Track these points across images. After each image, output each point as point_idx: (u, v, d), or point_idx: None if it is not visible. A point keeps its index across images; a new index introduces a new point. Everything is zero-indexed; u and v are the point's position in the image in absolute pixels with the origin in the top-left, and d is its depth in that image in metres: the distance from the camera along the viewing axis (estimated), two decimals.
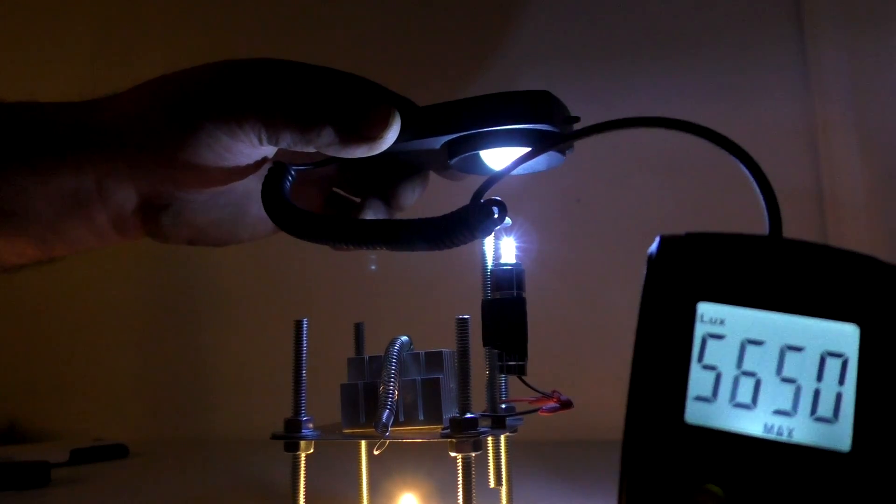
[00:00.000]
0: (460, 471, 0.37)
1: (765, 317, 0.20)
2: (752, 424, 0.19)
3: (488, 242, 0.42)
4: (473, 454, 0.37)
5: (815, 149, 0.83)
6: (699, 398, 0.20)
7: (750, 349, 0.20)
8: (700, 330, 0.20)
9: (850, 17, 0.79)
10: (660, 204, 0.89)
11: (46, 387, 1.13)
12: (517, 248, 0.42)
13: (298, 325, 0.43)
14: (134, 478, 0.72)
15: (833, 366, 0.19)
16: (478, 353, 0.40)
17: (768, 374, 0.19)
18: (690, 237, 0.22)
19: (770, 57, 0.87)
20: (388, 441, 0.40)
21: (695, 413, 0.20)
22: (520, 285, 0.41)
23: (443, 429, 0.38)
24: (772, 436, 0.19)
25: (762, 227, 0.86)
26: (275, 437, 0.42)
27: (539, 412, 0.39)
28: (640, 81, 0.91)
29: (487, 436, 0.41)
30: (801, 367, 0.19)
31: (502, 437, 0.43)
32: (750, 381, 0.19)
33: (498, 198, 0.37)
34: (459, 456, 0.37)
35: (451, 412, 0.39)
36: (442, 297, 0.89)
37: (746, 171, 0.26)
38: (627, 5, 0.94)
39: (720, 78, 0.88)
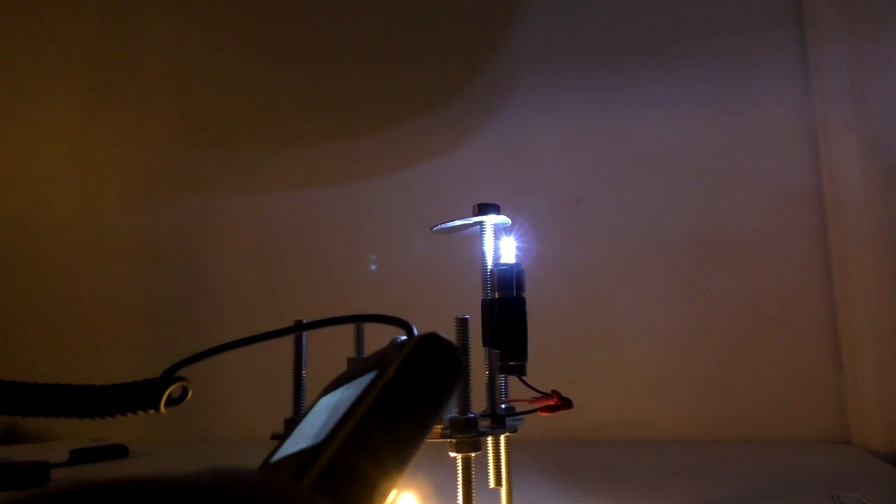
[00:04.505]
0: (460, 471, 0.37)
1: (342, 389, 0.27)
2: (293, 449, 0.25)
3: (488, 242, 0.42)
4: (473, 454, 0.37)
5: (815, 149, 0.83)
6: (283, 448, 0.26)
7: (324, 410, 0.26)
8: (310, 413, 0.29)
9: (850, 17, 0.79)
10: (659, 204, 0.89)
11: None
12: (517, 247, 0.42)
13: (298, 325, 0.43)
14: None
15: (353, 399, 0.23)
16: (478, 353, 0.40)
17: (321, 420, 0.25)
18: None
19: (770, 57, 0.87)
20: None
21: (276, 457, 0.27)
22: (520, 285, 0.41)
23: (443, 429, 0.38)
24: (293, 452, 0.25)
25: (760, 226, 0.85)
26: (275, 437, 0.42)
27: (539, 412, 0.39)
28: (640, 81, 0.91)
29: (487, 436, 0.41)
30: (339, 408, 0.24)
31: (502, 437, 0.43)
32: (310, 428, 0.25)
33: (184, 378, 0.37)
34: (459, 456, 0.37)
35: (451, 412, 0.39)
36: (442, 297, 0.89)
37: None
38: (628, 6, 0.94)
39: (721, 78, 0.89)
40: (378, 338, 0.46)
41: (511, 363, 0.40)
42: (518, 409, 0.42)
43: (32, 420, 1.12)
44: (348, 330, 0.50)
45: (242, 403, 1.01)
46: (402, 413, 0.22)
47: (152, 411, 0.35)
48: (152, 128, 1.13)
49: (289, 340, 0.43)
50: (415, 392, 0.23)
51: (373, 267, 0.96)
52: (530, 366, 0.41)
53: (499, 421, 0.40)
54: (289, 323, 0.43)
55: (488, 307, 0.41)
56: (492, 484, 0.43)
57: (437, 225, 0.43)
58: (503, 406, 0.42)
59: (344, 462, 0.21)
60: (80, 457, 0.76)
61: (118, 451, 0.82)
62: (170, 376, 0.35)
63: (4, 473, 0.62)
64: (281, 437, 0.41)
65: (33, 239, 1.17)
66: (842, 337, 0.79)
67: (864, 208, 0.75)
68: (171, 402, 0.36)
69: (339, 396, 0.26)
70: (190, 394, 0.36)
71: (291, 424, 0.41)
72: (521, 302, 0.41)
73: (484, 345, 0.41)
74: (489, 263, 0.42)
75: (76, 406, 0.35)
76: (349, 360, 0.46)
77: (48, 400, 0.35)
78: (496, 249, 0.42)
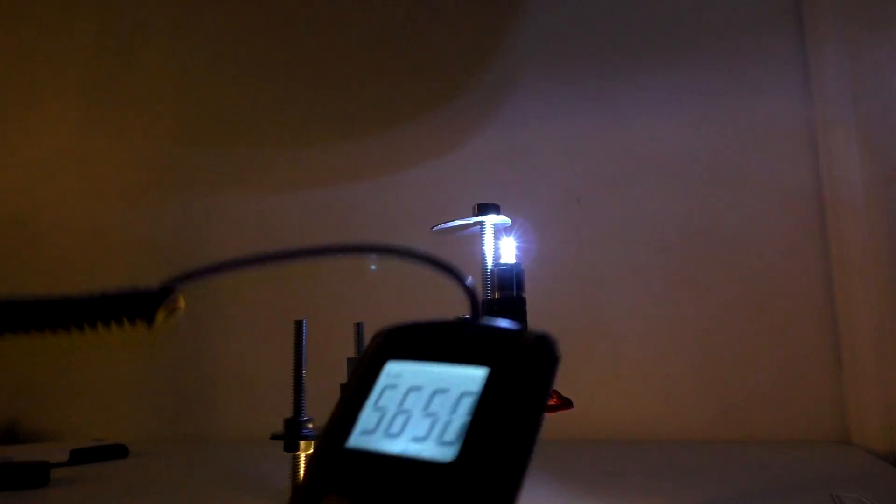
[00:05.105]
0: None
1: (426, 368, 0.26)
2: (394, 447, 0.24)
3: (488, 242, 0.42)
4: None
5: (815, 149, 0.83)
6: (364, 431, 0.25)
7: (411, 394, 0.25)
8: (381, 382, 0.26)
9: (850, 17, 0.79)
10: (660, 204, 0.89)
11: (46, 387, 1.13)
12: (517, 247, 0.42)
13: (298, 325, 0.43)
14: (134, 478, 0.72)
15: (466, 402, 0.23)
16: None
17: (418, 411, 0.24)
18: (400, 327, 0.28)
19: (770, 57, 0.87)
20: None
21: (356, 440, 0.25)
22: (520, 285, 0.41)
23: None
24: (400, 454, 0.24)
25: (760, 226, 0.85)
26: (274, 437, 0.42)
27: None
28: (641, 82, 0.91)
29: None
30: (443, 404, 0.24)
31: None
32: (403, 417, 0.25)
33: (180, 292, 0.34)
34: None
35: None
36: (442, 297, 0.89)
37: (456, 281, 0.29)
38: (629, 5, 0.94)
39: (721, 77, 0.89)
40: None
41: None
42: None
43: (33, 420, 1.12)
44: (348, 330, 0.50)
45: (242, 403, 1.01)
46: (526, 421, 0.23)
47: (144, 323, 0.32)
48: (152, 128, 1.13)
49: (289, 341, 0.43)
50: (534, 398, 0.24)
51: (373, 267, 0.96)
52: None
53: None
54: (288, 323, 0.43)
55: (488, 307, 0.41)
56: None
57: (437, 225, 0.44)
58: None
59: (483, 481, 0.21)
60: (80, 457, 0.76)
61: (118, 451, 0.82)
62: (169, 288, 0.33)
63: (4, 473, 0.61)
64: (281, 437, 0.41)
65: (33, 238, 1.17)
66: (842, 337, 0.79)
67: (864, 208, 0.75)
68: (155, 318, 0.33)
69: (435, 385, 0.25)
70: (181, 312, 0.33)
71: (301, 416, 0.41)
72: (521, 302, 0.41)
73: None
74: (489, 263, 0.42)
75: (60, 314, 0.32)
76: (349, 360, 0.46)
77: (26, 311, 0.32)
78: (496, 249, 0.42)
